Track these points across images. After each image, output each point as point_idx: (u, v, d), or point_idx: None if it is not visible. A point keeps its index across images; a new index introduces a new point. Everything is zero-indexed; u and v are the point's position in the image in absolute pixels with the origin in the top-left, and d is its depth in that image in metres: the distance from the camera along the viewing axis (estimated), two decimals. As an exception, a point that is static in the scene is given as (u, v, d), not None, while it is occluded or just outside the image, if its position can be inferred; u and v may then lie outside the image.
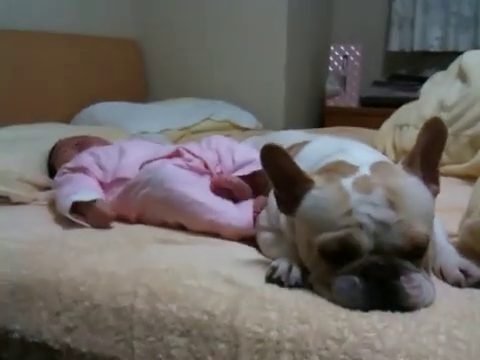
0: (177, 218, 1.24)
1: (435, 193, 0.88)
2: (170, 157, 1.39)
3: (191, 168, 1.32)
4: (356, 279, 0.78)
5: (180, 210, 1.21)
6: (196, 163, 1.34)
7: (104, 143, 1.67)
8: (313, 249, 0.83)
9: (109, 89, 2.76)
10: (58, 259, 1.04)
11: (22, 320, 0.97)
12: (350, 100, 3.27)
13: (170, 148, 1.45)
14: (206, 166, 1.35)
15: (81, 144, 1.64)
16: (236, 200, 1.27)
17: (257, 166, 1.31)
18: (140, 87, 3.15)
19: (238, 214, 1.18)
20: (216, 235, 1.19)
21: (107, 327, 0.90)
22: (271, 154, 0.86)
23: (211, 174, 1.34)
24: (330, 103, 3.30)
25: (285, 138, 1.46)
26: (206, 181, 1.31)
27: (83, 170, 1.39)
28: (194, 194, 1.22)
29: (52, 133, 1.86)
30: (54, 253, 1.06)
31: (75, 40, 2.64)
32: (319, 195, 0.84)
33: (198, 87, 3.09)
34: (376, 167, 0.88)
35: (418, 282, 0.78)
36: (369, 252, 0.78)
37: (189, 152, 1.39)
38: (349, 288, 0.78)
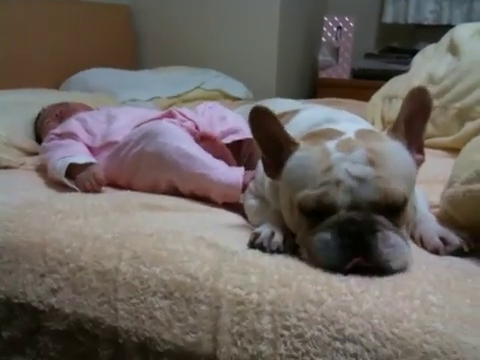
0: (169, 172, 1.24)
1: (419, 162, 0.89)
2: (162, 118, 1.40)
3: (184, 127, 1.33)
4: (330, 236, 0.79)
5: (173, 163, 1.22)
6: (188, 124, 1.35)
7: (87, 109, 1.66)
8: (295, 209, 0.84)
9: (100, 55, 2.73)
10: (44, 222, 1.04)
11: (7, 281, 0.98)
12: (342, 72, 3.26)
13: (161, 112, 1.46)
14: (197, 128, 1.36)
15: (62, 113, 1.63)
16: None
17: (240, 136, 1.33)
18: (131, 54, 3.11)
19: (229, 171, 1.20)
20: (203, 200, 1.20)
21: (91, 289, 0.91)
22: (260, 117, 0.87)
23: (201, 136, 1.35)
24: (322, 74, 3.29)
25: (277, 105, 1.47)
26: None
27: (71, 135, 1.39)
28: (188, 148, 1.23)
29: (39, 98, 1.85)
30: (40, 216, 1.07)
31: (65, 5, 2.60)
32: (303, 155, 0.86)
33: (190, 55, 3.07)
34: (361, 133, 0.89)
35: (394, 241, 0.79)
36: (346, 208, 0.79)
37: (182, 114, 1.40)
38: (323, 241, 0.80)
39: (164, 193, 1.25)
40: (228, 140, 1.36)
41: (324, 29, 3.25)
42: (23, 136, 1.62)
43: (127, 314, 0.87)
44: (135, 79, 2.58)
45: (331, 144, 0.85)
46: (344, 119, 1.06)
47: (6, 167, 1.47)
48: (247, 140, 1.36)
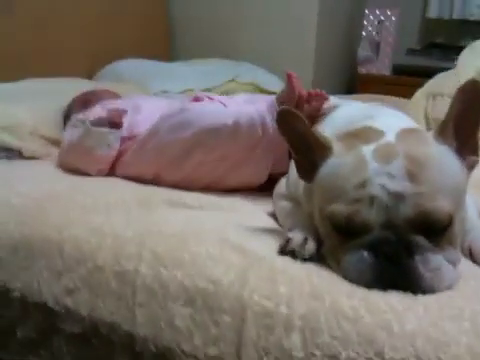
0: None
1: (472, 165, 0.80)
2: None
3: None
4: (365, 253, 0.72)
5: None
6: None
7: (112, 95, 1.62)
8: (325, 219, 0.77)
9: (133, 45, 2.69)
10: (63, 216, 0.99)
11: (23, 278, 0.93)
12: (383, 67, 3.14)
13: (186, 99, 1.44)
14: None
15: (87, 101, 1.57)
16: None
17: None
18: (165, 44, 3.07)
19: None
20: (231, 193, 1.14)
21: (109, 291, 0.85)
22: (286, 119, 0.81)
23: None
24: (362, 70, 3.18)
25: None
26: None
27: None
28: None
29: (69, 87, 1.81)
30: (60, 210, 1.02)
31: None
32: (337, 163, 0.78)
33: (225, 47, 3.00)
34: (403, 134, 0.80)
35: (436, 264, 0.71)
36: (381, 227, 0.71)
37: (208, 97, 1.36)
38: (356, 261, 0.73)
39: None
40: None
41: (365, 22, 3.14)
42: (51, 126, 1.57)
43: (145, 320, 0.81)
44: (168, 70, 2.54)
45: (368, 150, 0.76)
46: (384, 114, 0.97)
47: (31, 157, 1.43)
48: None
